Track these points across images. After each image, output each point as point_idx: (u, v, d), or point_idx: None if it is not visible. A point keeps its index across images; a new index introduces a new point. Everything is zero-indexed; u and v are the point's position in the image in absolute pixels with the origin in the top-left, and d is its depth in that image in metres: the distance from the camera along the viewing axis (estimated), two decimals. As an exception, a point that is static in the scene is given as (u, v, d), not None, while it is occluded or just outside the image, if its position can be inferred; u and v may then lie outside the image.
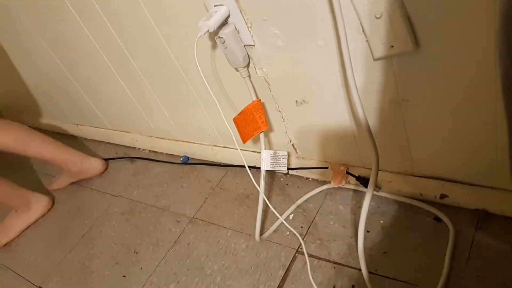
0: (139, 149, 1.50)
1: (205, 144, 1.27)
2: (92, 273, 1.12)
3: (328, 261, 0.88)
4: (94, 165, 1.45)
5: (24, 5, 1.23)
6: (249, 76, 0.90)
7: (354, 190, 0.99)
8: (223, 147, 1.22)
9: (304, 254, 0.91)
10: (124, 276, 1.06)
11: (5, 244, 1.35)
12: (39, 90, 1.69)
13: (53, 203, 1.44)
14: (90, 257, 1.17)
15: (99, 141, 1.65)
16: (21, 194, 1.37)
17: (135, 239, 1.15)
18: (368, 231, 0.89)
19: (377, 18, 0.66)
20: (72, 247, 1.23)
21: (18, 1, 1.23)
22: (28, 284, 1.18)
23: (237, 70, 0.89)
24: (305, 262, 0.89)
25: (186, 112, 1.19)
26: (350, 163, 0.98)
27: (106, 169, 1.48)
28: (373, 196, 0.95)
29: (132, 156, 1.48)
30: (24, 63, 1.56)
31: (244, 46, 0.85)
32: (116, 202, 1.32)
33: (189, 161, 1.33)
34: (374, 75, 0.74)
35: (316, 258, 0.90)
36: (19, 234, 1.37)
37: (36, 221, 1.39)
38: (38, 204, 1.39)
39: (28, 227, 1.38)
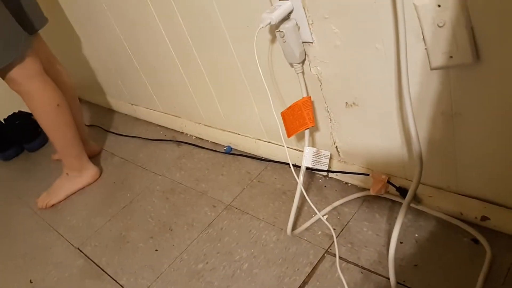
0: (186, 134, 1.56)
1: (249, 137, 1.30)
2: (128, 243, 1.17)
3: (357, 265, 0.88)
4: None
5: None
6: (303, 72, 0.92)
7: (393, 201, 0.98)
8: (267, 141, 1.25)
9: (332, 255, 0.91)
10: (156, 250, 1.11)
11: (53, 205, 1.45)
12: (100, 67, 1.79)
13: (101, 174, 1.52)
14: (127, 228, 1.23)
15: (150, 122, 1.73)
16: (81, 157, 1.46)
17: (171, 217, 1.20)
18: (401, 242, 0.88)
19: (439, 26, 0.66)
20: (112, 216, 1.30)
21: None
22: (68, 244, 1.25)
23: (292, 66, 0.91)
24: (333, 263, 0.90)
25: (236, 103, 1.23)
26: (393, 173, 0.97)
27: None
28: (411, 209, 0.94)
29: (179, 140, 1.53)
30: (89, 40, 1.66)
31: (302, 42, 0.87)
32: (158, 181, 1.37)
33: (232, 151, 1.36)
34: (429, 85, 0.74)
35: (345, 260, 0.90)
36: (66, 198, 1.46)
37: (83, 188, 1.48)
38: (89, 172, 1.48)
39: (75, 192, 1.47)
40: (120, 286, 1.05)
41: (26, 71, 1.25)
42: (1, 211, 1.54)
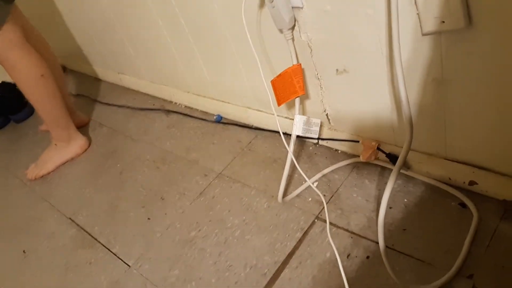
0: (175, 103, 1.54)
1: (239, 106, 1.29)
2: (119, 212, 1.18)
3: (346, 230, 0.90)
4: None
5: None
6: (293, 39, 0.90)
7: (383, 167, 0.99)
8: (257, 110, 1.24)
9: (322, 221, 0.93)
10: (148, 219, 1.12)
11: (42, 176, 1.44)
12: (84, 36, 1.74)
13: (90, 145, 1.51)
14: (118, 198, 1.23)
15: (138, 91, 1.70)
16: (68, 128, 1.44)
17: (163, 186, 1.20)
18: (390, 207, 0.90)
19: (432, -10, 0.64)
20: (103, 186, 1.29)
21: None
22: (60, 214, 1.26)
23: (281, 32, 0.90)
24: (323, 228, 0.91)
25: (225, 71, 1.21)
26: (383, 139, 0.98)
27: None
28: (401, 174, 0.95)
29: (168, 109, 1.52)
30: (72, 7, 1.61)
31: (292, 7, 0.84)
32: (148, 150, 1.36)
33: (222, 120, 1.35)
34: (420, 51, 0.73)
35: (334, 226, 0.91)
36: (55, 169, 1.45)
37: (72, 158, 1.47)
38: (77, 143, 1.46)
39: (64, 163, 1.46)
40: (113, 255, 1.06)
41: (7, 41, 1.21)
42: (-10, 183, 1.54)
